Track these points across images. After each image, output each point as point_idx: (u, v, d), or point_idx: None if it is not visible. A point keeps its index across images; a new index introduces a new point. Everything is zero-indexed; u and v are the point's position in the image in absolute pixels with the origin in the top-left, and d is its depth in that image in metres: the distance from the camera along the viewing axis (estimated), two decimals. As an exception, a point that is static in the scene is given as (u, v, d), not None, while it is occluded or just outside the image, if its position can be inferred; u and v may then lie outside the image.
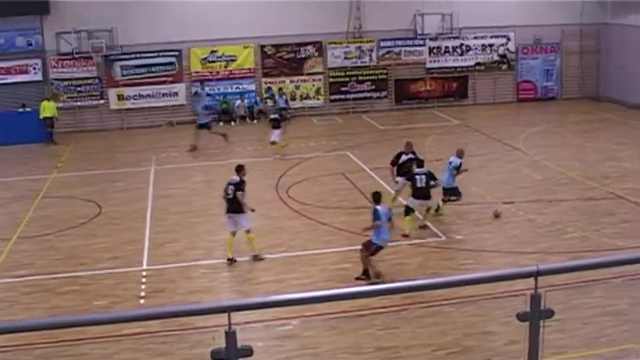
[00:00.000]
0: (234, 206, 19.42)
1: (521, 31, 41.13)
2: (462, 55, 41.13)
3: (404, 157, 22.89)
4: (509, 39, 41.48)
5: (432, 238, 20.70)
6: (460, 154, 22.61)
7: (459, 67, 41.21)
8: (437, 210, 22.22)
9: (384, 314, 15.89)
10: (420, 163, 21.75)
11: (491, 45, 41.43)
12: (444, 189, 22.15)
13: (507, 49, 41.70)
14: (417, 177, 21.12)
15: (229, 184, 19.59)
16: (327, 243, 20.33)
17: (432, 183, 21.31)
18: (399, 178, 22.78)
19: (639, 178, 26.02)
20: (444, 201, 22.26)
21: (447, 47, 40.89)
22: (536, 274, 5.40)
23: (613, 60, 41.31)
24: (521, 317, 5.49)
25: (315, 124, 37.92)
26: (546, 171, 26.92)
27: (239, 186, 19.48)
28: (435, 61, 40.79)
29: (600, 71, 42.34)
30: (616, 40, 40.95)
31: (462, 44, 41.05)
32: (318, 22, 38.54)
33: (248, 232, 19.48)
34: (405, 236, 20.59)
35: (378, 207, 17.76)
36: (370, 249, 17.81)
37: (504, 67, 41.86)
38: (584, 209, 23.04)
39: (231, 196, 19.40)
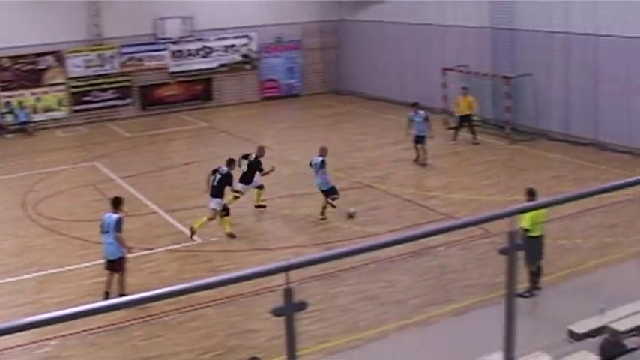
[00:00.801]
0: None
1: (263, 30, 41.75)
2: (204, 57, 41.16)
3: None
4: (251, 39, 41.95)
5: (188, 242, 20.59)
6: (323, 153, 22.30)
7: (202, 69, 41.19)
8: (322, 214, 21.98)
9: (145, 324, 15.66)
10: (228, 163, 21.47)
11: (233, 46, 41.75)
12: (322, 191, 21.96)
13: (250, 49, 42.16)
14: (215, 174, 21.10)
15: None
16: (81, 257, 19.71)
17: (230, 188, 21.35)
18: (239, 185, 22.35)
19: (383, 166, 27.11)
20: (327, 206, 21.99)
21: (189, 50, 40.78)
22: (287, 269, 5.44)
23: (351, 54, 42.80)
24: (277, 312, 5.52)
25: (61, 136, 36.72)
26: (295, 166, 27.42)
27: None
28: (178, 65, 40.56)
29: (340, 65, 43.72)
30: (351, 35, 42.47)
31: (204, 46, 41.07)
32: (56, 30, 37.28)
33: None
34: (231, 236, 20.62)
35: (106, 215, 17.28)
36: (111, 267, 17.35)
37: (248, 66, 42.31)
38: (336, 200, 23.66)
39: None
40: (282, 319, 5.48)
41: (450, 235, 17.74)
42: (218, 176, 20.98)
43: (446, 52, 34.97)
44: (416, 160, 27.12)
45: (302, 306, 5.52)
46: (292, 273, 5.54)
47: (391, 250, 15.17)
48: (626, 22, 26.70)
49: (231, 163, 21.44)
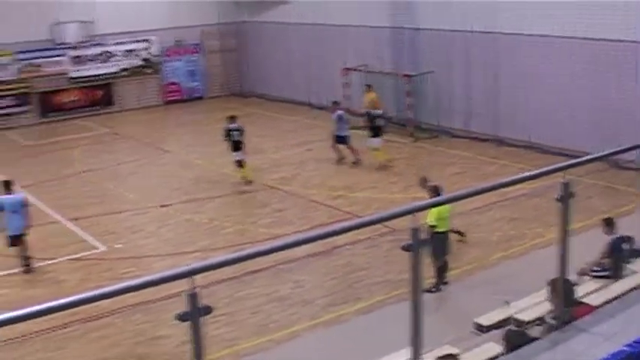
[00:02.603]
0: None
1: (163, 33, 41.19)
2: (105, 62, 40.47)
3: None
4: (151, 42, 41.45)
5: (90, 250, 20.18)
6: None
7: (102, 74, 40.45)
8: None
9: (44, 338, 15.17)
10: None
11: (133, 50, 41.19)
12: None
13: (150, 53, 41.67)
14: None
15: None
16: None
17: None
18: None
19: (286, 168, 27.06)
20: None
21: (89, 55, 40.04)
22: (190, 274, 5.35)
23: (253, 56, 42.66)
24: (181, 318, 5.43)
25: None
26: (198, 169, 27.22)
27: None
28: (78, 71, 39.78)
29: (242, 68, 43.57)
30: (252, 36, 42.36)
31: (104, 51, 40.38)
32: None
33: None
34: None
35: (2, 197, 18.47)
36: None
37: (149, 70, 41.79)
38: (239, 203, 23.58)
39: None
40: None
41: (356, 234, 17.80)
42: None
43: (348, 52, 35.11)
44: (339, 161, 27.10)
45: (207, 310, 5.46)
46: (199, 277, 5.45)
47: (298, 250, 15.16)
48: (524, 20, 27.17)
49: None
